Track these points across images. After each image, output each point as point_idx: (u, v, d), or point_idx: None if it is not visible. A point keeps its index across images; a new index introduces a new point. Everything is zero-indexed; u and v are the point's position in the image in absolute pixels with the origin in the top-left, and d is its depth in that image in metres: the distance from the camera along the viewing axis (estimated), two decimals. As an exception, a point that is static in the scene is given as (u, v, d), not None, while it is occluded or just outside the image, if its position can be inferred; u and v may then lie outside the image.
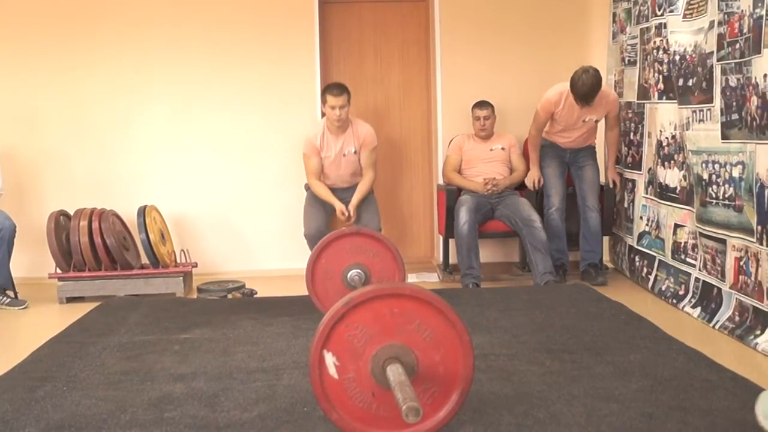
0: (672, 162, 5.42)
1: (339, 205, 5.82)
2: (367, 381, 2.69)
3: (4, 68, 6.60)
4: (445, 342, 2.70)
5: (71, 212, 5.99)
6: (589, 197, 6.11)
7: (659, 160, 5.61)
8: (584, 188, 6.15)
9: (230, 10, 6.68)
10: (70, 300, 5.84)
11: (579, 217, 6.16)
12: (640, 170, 5.98)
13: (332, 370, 2.68)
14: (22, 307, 5.66)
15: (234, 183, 6.75)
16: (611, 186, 6.26)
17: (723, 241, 4.60)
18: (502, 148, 6.32)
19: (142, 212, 6.01)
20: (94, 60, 6.64)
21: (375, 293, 2.67)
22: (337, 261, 4.53)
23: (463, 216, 5.84)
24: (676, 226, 5.36)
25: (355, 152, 5.91)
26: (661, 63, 5.53)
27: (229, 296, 5.72)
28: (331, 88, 5.83)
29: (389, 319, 2.67)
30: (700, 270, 4.98)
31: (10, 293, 5.73)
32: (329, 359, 2.67)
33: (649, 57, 5.74)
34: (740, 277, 4.41)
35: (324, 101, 5.85)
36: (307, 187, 6.12)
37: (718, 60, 4.58)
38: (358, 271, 4.47)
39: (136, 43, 6.65)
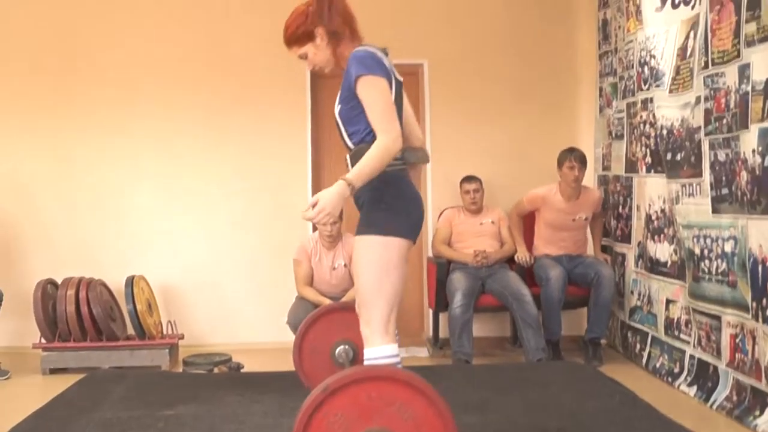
0: (662, 235, 5.42)
1: (328, 302, 5.62)
2: None
3: (-5, 135, 6.60)
4: (428, 423, 2.61)
5: (59, 281, 5.93)
6: (600, 271, 5.94)
7: (649, 234, 5.61)
8: (593, 268, 6.01)
9: (222, 80, 6.72)
10: (54, 371, 5.74)
11: (589, 293, 6.00)
12: (630, 243, 5.97)
13: None
14: (5, 377, 5.57)
15: (222, 254, 6.71)
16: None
17: (717, 318, 4.56)
18: (492, 222, 6.32)
19: (130, 282, 5.96)
20: (84, 128, 6.65)
21: (352, 377, 2.60)
22: (324, 337, 4.42)
23: (458, 299, 5.77)
24: (668, 301, 5.33)
25: (345, 265, 5.82)
26: (648, 137, 5.57)
27: (216, 370, 5.64)
28: None
29: (368, 402, 2.59)
30: (694, 347, 4.94)
31: (-7, 364, 5.65)
32: None
33: (636, 131, 5.79)
34: (736, 354, 4.37)
35: None
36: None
37: (705, 134, 4.62)
38: (346, 347, 4.37)
39: (127, 112, 6.68)
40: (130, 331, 6.07)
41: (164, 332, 6.19)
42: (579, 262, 6.11)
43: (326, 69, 3.36)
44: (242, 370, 5.70)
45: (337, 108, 3.24)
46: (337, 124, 3.27)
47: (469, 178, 6.35)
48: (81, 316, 5.73)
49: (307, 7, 3.24)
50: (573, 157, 6.01)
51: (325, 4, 3.22)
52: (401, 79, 3.23)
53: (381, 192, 3.09)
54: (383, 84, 3.06)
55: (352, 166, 3.06)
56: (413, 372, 2.69)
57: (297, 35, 3.25)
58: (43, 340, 5.79)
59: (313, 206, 2.91)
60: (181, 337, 6.24)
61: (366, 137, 3.11)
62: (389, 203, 3.09)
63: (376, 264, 3.04)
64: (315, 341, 4.41)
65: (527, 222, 6.39)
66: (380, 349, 2.99)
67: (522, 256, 6.14)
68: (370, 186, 3.04)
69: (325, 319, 4.38)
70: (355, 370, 2.65)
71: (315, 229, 6.02)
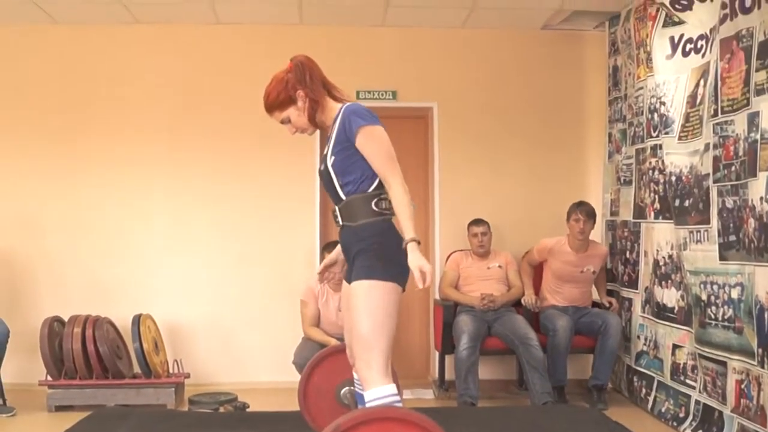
0: (669, 281, 5.42)
1: (335, 342, 5.64)
2: None
3: (2, 174, 6.66)
4: None
5: (65, 318, 5.94)
6: (608, 319, 5.94)
7: (656, 279, 5.61)
8: (600, 317, 6.02)
9: (230, 122, 6.77)
10: (60, 408, 5.72)
11: (596, 341, 5.99)
12: (637, 289, 5.97)
13: None
14: (10, 414, 5.55)
15: (229, 294, 6.72)
16: (610, 309, 6.19)
17: (723, 363, 4.55)
18: (499, 266, 6.33)
19: (137, 321, 5.96)
20: (92, 167, 6.70)
21: (362, 418, 2.61)
22: (329, 378, 4.40)
23: (465, 341, 5.76)
24: (675, 346, 5.32)
25: None
26: (656, 183, 5.59)
27: (221, 409, 5.62)
28: (330, 246, 5.81)
29: None
30: (700, 392, 4.92)
31: (-1, 400, 5.65)
32: None
33: (644, 177, 5.81)
34: (742, 400, 4.35)
35: (323, 258, 5.87)
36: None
37: (714, 182, 4.63)
38: (351, 388, 4.36)
39: (136, 153, 6.74)
40: (137, 369, 6.06)
41: (170, 371, 6.18)
42: (585, 312, 6.12)
43: (308, 132, 3.47)
44: (248, 410, 5.68)
45: (330, 160, 3.30)
46: (328, 176, 3.33)
47: (476, 222, 6.37)
48: (87, 354, 5.73)
49: (286, 73, 3.39)
50: (580, 210, 6.12)
51: (306, 70, 3.37)
52: None
53: (375, 241, 3.21)
54: (382, 131, 3.21)
55: (343, 217, 3.25)
56: (422, 413, 2.69)
57: (279, 100, 3.39)
58: (49, 378, 5.78)
59: (422, 273, 3.00)
60: (187, 376, 6.23)
61: (362, 185, 3.23)
62: (385, 251, 3.19)
63: (378, 308, 3.13)
64: (320, 382, 4.40)
65: (536, 272, 6.42)
66: (383, 389, 3.03)
67: (528, 299, 6.15)
68: (364, 236, 3.19)
69: (329, 360, 4.37)
70: (366, 410, 2.65)
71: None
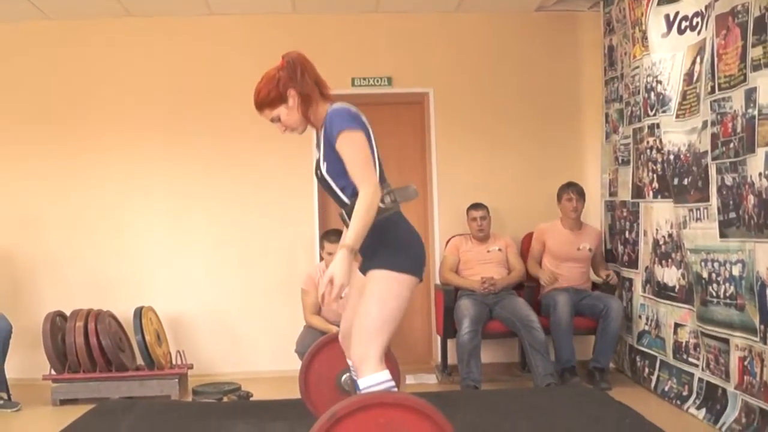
0: (669, 260, 5.42)
1: (336, 329, 5.61)
2: None
3: (2, 171, 6.65)
4: None
5: (67, 313, 5.94)
6: (609, 302, 5.93)
7: (656, 259, 5.61)
8: (601, 300, 6.00)
9: (229, 114, 6.75)
10: (64, 402, 5.73)
11: (597, 323, 5.98)
12: (637, 269, 5.97)
13: None
14: (15, 409, 5.56)
15: (230, 284, 6.72)
16: (608, 280, 6.19)
17: (726, 341, 4.56)
18: (500, 249, 6.33)
19: (139, 313, 5.97)
20: (90, 162, 6.70)
21: (358, 404, 2.61)
22: (329, 365, 4.40)
23: (466, 325, 5.76)
24: (677, 325, 5.33)
25: None
26: (655, 162, 5.59)
27: (225, 399, 5.63)
28: (329, 234, 5.84)
29: (375, 429, 2.60)
30: (703, 370, 4.93)
31: (3, 395, 5.66)
32: None
33: (642, 156, 5.80)
34: (745, 377, 4.36)
35: (322, 247, 5.89)
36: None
37: (712, 159, 4.63)
38: (351, 374, 4.35)
39: (132, 146, 6.72)
40: (140, 361, 6.07)
41: (173, 362, 6.20)
42: (586, 295, 6.12)
43: (298, 131, 3.46)
44: (251, 399, 5.70)
45: (323, 166, 3.32)
46: (326, 183, 3.35)
47: (475, 206, 6.37)
48: (90, 348, 5.73)
49: (277, 71, 3.37)
50: (570, 189, 6.27)
51: (297, 67, 3.34)
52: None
53: (392, 236, 3.25)
54: (361, 136, 3.19)
55: (349, 213, 3.19)
56: (420, 397, 2.69)
57: (270, 98, 3.37)
58: (52, 372, 5.79)
59: (331, 283, 2.97)
60: (190, 367, 6.24)
61: (355, 194, 3.18)
62: (403, 244, 3.25)
63: (391, 300, 3.15)
64: (320, 370, 4.40)
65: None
66: (377, 376, 3.03)
67: (543, 276, 6.16)
68: (379, 233, 3.18)
69: (328, 348, 4.36)
70: (362, 396, 2.65)
71: (322, 258, 6.03)
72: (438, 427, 2.61)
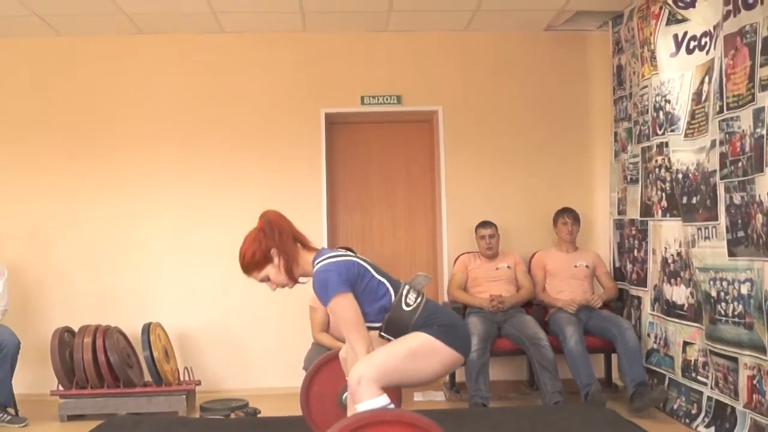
0: (678, 279, 5.42)
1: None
2: None
3: (11, 186, 6.69)
4: None
5: (75, 329, 5.95)
6: (619, 321, 5.91)
7: (665, 277, 5.61)
8: (610, 321, 5.95)
9: (237, 129, 6.80)
10: (72, 418, 5.74)
11: (616, 347, 5.85)
12: (646, 287, 5.97)
13: None
14: (23, 425, 5.56)
15: (238, 300, 6.71)
16: (591, 303, 6.13)
17: (734, 359, 4.55)
18: (508, 267, 6.33)
19: (147, 329, 5.98)
20: (99, 178, 6.73)
21: (356, 424, 2.60)
22: (331, 383, 4.37)
23: (475, 343, 5.73)
24: (686, 343, 5.32)
25: None
26: (663, 181, 5.59)
27: (232, 415, 5.62)
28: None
29: None
30: (712, 388, 4.92)
31: (11, 410, 5.65)
32: None
33: (651, 175, 5.81)
34: (754, 395, 4.35)
35: None
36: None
37: (721, 178, 4.63)
38: (351, 392, 4.33)
39: (142, 161, 6.75)
40: (147, 377, 6.07)
41: (181, 378, 6.20)
42: (594, 314, 6.09)
43: (289, 286, 3.57)
44: (259, 416, 5.69)
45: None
46: None
47: (484, 224, 6.39)
48: (98, 363, 5.74)
49: (257, 232, 3.50)
50: (566, 214, 6.44)
51: (275, 228, 3.48)
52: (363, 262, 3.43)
53: (429, 326, 3.32)
54: (346, 301, 3.26)
55: (395, 335, 3.35)
56: (417, 413, 2.69)
57: (255, 260, 3.48)
58: (60, 387, 5.80)
59: None
60: (198, 383, 6.24)
61: (381, 305, 3.35)
62: (442, 326, 3.33)
63: (421, 355, 3.25)
64: (320, 390, 4.39)
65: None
66: (378, 400, 3.04)
67: (570, 306, 6.08)
68: (421, 326, 3.31)
69: (328, 367, 4.36)
70: (360, 416, 2.64)
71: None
72: None
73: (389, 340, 3.39)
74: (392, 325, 3.36)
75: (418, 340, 3.27)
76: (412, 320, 3.32)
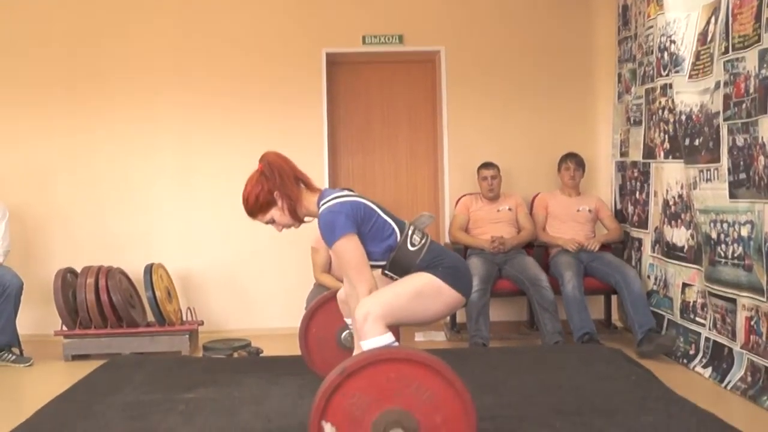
0: (679, 221, 5.42)
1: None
2: None
3: (12, 128, 6.67)
4: (446, 403, 2.65)
5: (78, 270, 5.98)
6: (624, 269, 5.86)
7: (666, 219, 5.61)
8: (614, 267, 5.92)
9: (238, 69, 6.76)
10: (76, 357, 5.80)
11: (620, 294, 5.85)
12: (647, 229, 5.97)
13: None
14: (27, 364, 5.62)
15: (240, 241, 6.74)
16: (588, 246, 6.13)
17: (733, 301, 4.57)
18: (509, 209, 6.33)
19: (149, 270, 6.00)
20: (101, 119, 6.71)
21: (369, 360, 2.63)
22: (327, 326, 4.40)
23: (476, 284, 5.75)
24: (685, 285, 5.34)
25: None
26: (666, 123, 5.56)
27: (235, 354, 5.68)
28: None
29: (386, 384, 2.63)
30: (710, 329, 4.95)
31: (16, 350, 5.72)
32: (329, 430, 2.62)
33: (654, 117, 5.78)
34: (751, 336, 4.38)
35: None
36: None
37: (724, 120, 4.60)
38: (352, 331, 4.35)
39: (144, 102, 6.73)
40: (150, 318, 6.12)
41: (184, 318, 6.25)
42: (597, 257, 6.10)
43: (294, 227, 3.58)
44: (261, 355, 5.74)
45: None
46: None
47: (486, 165, 6.38)
48: (101, 304, 5.78)
49: (259, 175, 3.48)
50: (569, 159, 6.41)
51: (275, 171, 3.46)
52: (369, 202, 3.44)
53: (433, 268, 3.36)
54: (351, 242, 3.27)
55: (399, 274, 3.40)
56: (430, 353, 2.72)
57: (259, 204, 3.49)
58: (64, 328, 5.85)
59: None
60: (201, 323, 6.29)
61: (388, 245, 3.38)
62: (445, 268, 3.36)
63: (425, 294, 3.30)
64: (318, 332, 4.43)
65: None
66: (383, 338, 3.10)
67: (571, 244, 6.11)
68: (425, 267, 3.35)
69: (324, 308, 4.40)
70: (372, 352, 2.67)
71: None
72: (447, 382, 2.64)
73: (392, 278, 3.42)
74: (397, 264, 3.39)
75: (424, 280, 3.31)
76: (416, 260, 3.35)
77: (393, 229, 3.39)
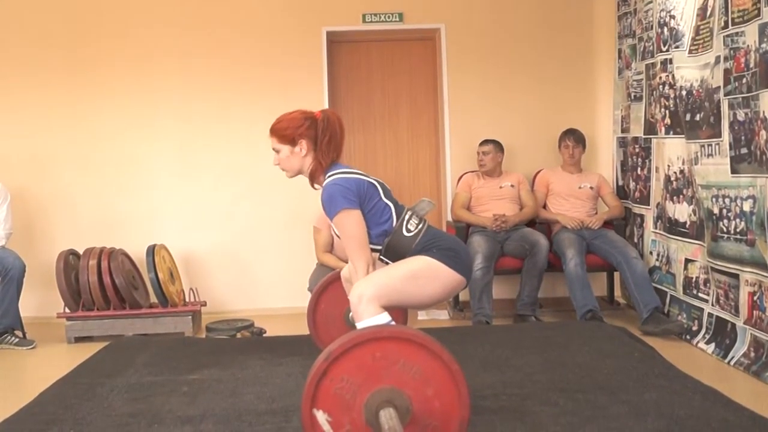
0: (681, 196, 5.41)
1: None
2: (365, 431, 2.63)
3: (13, 110, 6.66)
4: (435, 375, 2.64)
5: (80, 251, 5.99)
6: (626, 250, 5.84)
7: (668, 195, 5.60)
8: (616, 247, 5.91)
9: (238, 48, 6.73)
10: (79, 340, 5.82)
11: (622, 274, 5.84)
12: (648, 205, 5.96)
13: (326, 428, 2.61)
14: (30, 347, 5.64)
15: (242, 221, 6.74)
16: (587, 225, 6.12)
17: (736, 276, 4.57)
18: (512, 186, 6.32)
19: (151, 251, 6.00)
20: (102, 100, 6.69)
21: (353, 341, 2.62)
22: (336, 303, 4.41)
23: (479, 262, 5.77)
24: (687, 260, 5.33)
25: None
26: (667, 98, 5.54)
27: (238, 335, 5.69)
28: None
29: (372, 363, 2.61)
30: (712, 305, 4.95)
31: (19, 333, 5.73)
32: (321, 417, 2.60)
33: (655, 92, 5.75)
34: (754, 312, 4.38)
35: None
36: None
37: (725, 95, 4.59)
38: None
39: (144, 83, 6.70)
40: (153, 299, 6.13)
41: (186, 300, 6.25)
42: (599, 234, 6.09)
43: (288, 174, 3.60)
44: (264, 335, 5.76)
45: (336, 236, 3.55)
46: None
47: (482, 142, 6.38)
48: (104, 285, 5.79)
49: (310, 118, 3.49)
50: (568, 137, 6.39)
51: (327, 133, 3.47)
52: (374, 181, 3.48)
53: (429, 251, 3.37)
54: (354, 216, 3.32)
55: (393, 259, 3.43)
56: (413, 329, 2.72)
57: (283, 133, 3.50)
58: (67, 310, 5.85)
59: None
60: (204, 304, 6.30)
61: (383, 229, 3.40)
62: (442, 251, 3.37)
63: (422, 276, 3.32)
64: (327, 309, 4.44)
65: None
66: (378, 318, 3.15)
67: (572, 222, 6.13)
68: (421, 251, 3.37)
69: (334, 285, 4.40)
70: (357, 333, 2.66)
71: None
72: (434, 355, 2.62)
73: (388, 264, 3.44)
74: (392, 249, 3.40)
75: (419, 263, 3.32)
76: (411, 246, 3.36)
77: (391, 213, 3.41)
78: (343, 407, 2.62)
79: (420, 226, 3.42)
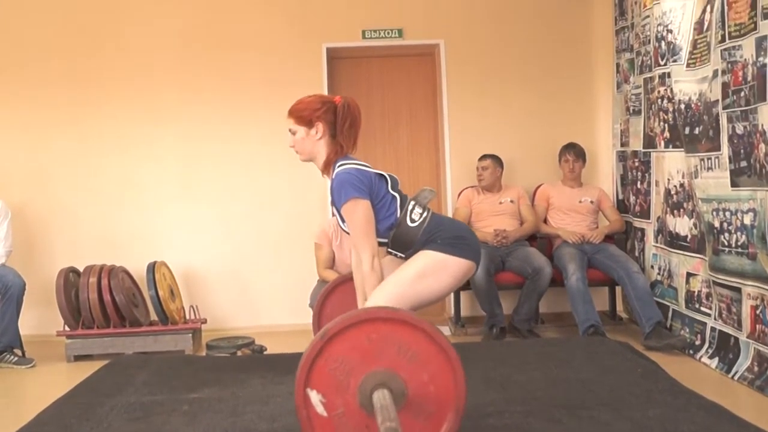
0: (681, 210, 5.40)
1: None
2: (358, 414, 2.59)
3: (14, 127, 6.67)
4: (431, 360, 2.61)
5: (80, 269, 5.97)
6: (628, 264, 5.82)
7: (668, 209, 5.59)
8: (618, 261, 5.88)
9: (239, 66, 6.74)
10: (78, 358, 5.79)
11: (624, 289, 5.85)
12: (649, 219, 5.96)
13: (320, 408, 2.58)
14: (30, 365, 5.61)
15: (242, 238, 6.74)
16: (588, 239, 6.13)
17: (738, 290, 4.56)
18: (512, 201, 6.32)
19: (152, 268, 5.99)
20: (103, 118, 6.70)
21: (350, 321, 2.59)
22: (341, 308, 4.40)
23: (480, 274, 5.75)
24: (689, 274, 5.32)
25: None
26: (666, 112, 5.55)
27: (239, 353, 5.67)
28: None
29: (368, 345, 2.59)
30: (715, 319, 4.93)
31: (18, 352, 5.70)
32: (314, 397, 2.58)
33: (653, 106, 5.76)
34: (757, 325, 4.37)
35: None
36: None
37: (723, 108, 4.59)
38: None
39: (145, 100, 6.72)
40: (153, 317, 6.12)
41: (187, 317, 6.24)
42: (600, 249, 6.08)
43: (300, 157, 3.64)
44: (265, 353, 5.73)
45: (342, 224, 3.53)
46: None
47: (482, 157, 6.39)
48: (104, 303, 5.78)
49: (325, 102, 3.51)
50: (568, 151, 6.40)
51: (347, 119, 3.49)
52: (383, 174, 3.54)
53: (434, 240, 3.41)
54: (362, 205, 3.35)
55: (399, 250, 3.49)
56: (410, 312, 2.71)
57: (301, 115, 3.54)
58: (66, 328, 5.84)
59: None
60: (204, 322, 6.29)
61: (388, 221, 3.45)
62: (447, 239, 3.40)
63: (430, 273, 3.35)
64: (332, 313, 4.42)
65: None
66: None
67: (572, 236, 6.12)
68: (427, 243, 3.40)
69: (340, 289, 4.41)
70: (355, 313, 2.63)
71: (334, 214, 6.04)
72: (431, 339, 2.60)
73: (397, 257, 3.49)
74: (398, 240, 3.44)
75: (424, 260, 3.35)
76: (417, 236, 3.40)
77: (396, 206, 3.45)
78: (337, 389, 2.60)
79: (424, 215, 3.45)
